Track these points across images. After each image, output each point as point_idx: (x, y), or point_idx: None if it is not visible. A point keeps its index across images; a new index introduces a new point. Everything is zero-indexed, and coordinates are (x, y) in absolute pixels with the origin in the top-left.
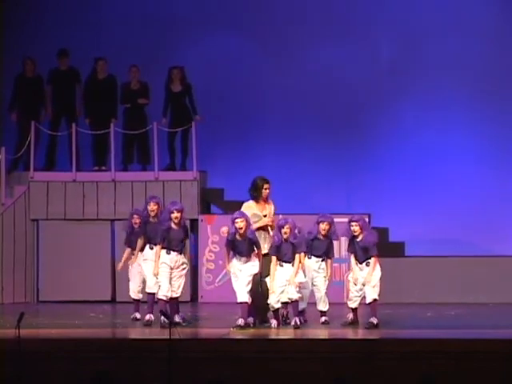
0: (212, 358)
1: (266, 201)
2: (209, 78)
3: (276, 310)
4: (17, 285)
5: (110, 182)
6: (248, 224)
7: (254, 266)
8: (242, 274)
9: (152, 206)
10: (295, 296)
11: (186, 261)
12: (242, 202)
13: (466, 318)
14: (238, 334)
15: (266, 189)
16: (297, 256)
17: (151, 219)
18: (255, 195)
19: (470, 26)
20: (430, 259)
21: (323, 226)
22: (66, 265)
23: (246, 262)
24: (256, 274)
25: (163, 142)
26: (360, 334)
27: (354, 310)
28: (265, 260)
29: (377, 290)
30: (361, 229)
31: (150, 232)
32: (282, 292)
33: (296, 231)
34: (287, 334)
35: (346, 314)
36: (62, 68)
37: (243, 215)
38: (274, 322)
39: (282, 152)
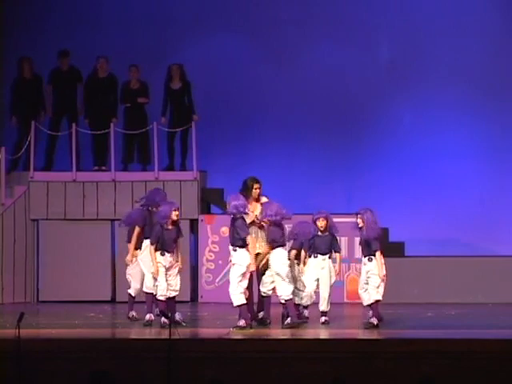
0: (212, 358)
1: (257, 200)
2: (209, 78)
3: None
4: (17, 285)
5: (110, 182)
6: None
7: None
8: (231, 271)
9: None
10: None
11: (177, 259)
12: None
13: (466, 318)
14: (238, 334)
15: (256, 188)
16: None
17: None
18: (245, 195)
19: (469, 26)
20: (429, 259)
21: (321, 223)
22: (66, 265)
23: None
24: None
25: (163, 142)
26: (360, 334)
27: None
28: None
29: (380, 290)
30: (363, 222)
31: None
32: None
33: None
34: (287, 334)
35: (346, 313)
36: (63, 68)
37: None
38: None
39: (281, 152)
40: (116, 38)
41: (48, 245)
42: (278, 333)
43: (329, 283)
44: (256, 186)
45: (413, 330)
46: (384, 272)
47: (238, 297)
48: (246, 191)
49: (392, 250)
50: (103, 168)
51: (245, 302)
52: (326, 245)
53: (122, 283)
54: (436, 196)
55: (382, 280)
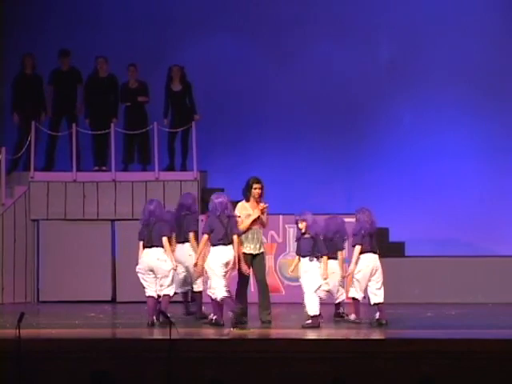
0: (212, 358)
1: (258, 201)
2: (208, 78)
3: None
4: (17, 285)
5: (111, 182)
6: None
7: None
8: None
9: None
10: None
11: None
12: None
13: (466, 318)
14: (238, 334)
15: (255, 188)
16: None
17: None
18: (247, 195)
19: (469, 26)
20: (429, 259)
21: (300, 224)
22: (67, 265)
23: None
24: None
25: (164, 142)
26: (360, 334)
27: (377, 306)
28: (259, 259)
29: (355, 285)
30: (356, 221)
31: None
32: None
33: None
34: (287, 334)
35: (346, 314)
36: (64, 68)
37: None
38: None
39: (281, 152)
40: (116, 38)
41: (48, 245)
42: (277, 333)
43: (310, 286)
44: (255, 185)
45: (413, 330)
46: (352, 268)
47: (219, 291)
48: (247, 190)
49: (392, 250)
50: (103, 168)
51: (226, 295)
52: (307, 247)
53: (123, 283)
54: (436, 196)
55: (346, 276)
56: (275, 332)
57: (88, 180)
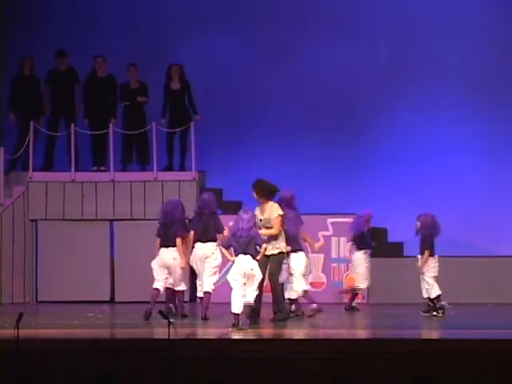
0: (212, 358)
1: (265, 204)
2: (208, 77)
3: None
4: (16, 285)
5: (109, 183)
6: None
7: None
8: None
9: None
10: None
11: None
12: (241, 202)
13: (466, 318)
14: (238, 334)
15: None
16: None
17: None
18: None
19: (469, 26)
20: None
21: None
22: (65, 265)
23: None
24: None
25: (162, 142)
26: (360, 334)
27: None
28: (272, 260)
29: (298, 282)
30: None
31: None
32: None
33: None
34: (287, 334)
35: (345, 313)
36: (61, 68)
37: None
38: None
39: (280, 152)
40: (115, 37)
41: (47, 245)
42: (277, 333)
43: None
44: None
45: (413, 330)
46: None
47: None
48: None
49: (391, 250)
50: (102, 168)
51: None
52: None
53: (121, 283)
54: (435, 196)
55: None
56: (275, 332)
57: (86, 180)
